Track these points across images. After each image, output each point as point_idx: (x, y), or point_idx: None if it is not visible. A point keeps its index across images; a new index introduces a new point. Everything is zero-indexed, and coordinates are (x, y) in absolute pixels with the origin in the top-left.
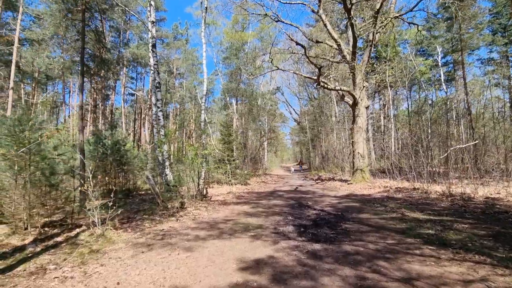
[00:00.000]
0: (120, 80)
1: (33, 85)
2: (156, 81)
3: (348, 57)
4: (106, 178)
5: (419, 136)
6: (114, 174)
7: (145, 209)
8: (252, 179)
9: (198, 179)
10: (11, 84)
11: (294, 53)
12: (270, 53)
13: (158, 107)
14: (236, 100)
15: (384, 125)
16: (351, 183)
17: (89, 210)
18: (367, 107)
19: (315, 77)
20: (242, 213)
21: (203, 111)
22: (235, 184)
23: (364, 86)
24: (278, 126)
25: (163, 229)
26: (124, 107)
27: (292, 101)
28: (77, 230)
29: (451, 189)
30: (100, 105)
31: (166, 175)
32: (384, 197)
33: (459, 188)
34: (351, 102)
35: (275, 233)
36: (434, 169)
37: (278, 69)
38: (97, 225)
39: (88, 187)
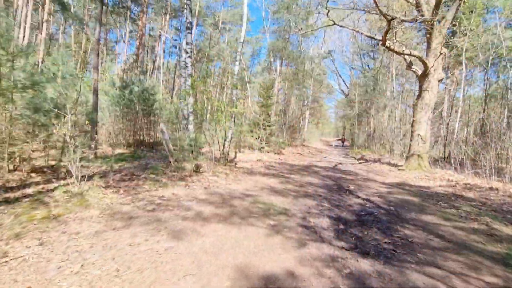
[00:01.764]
0: (163, 30)
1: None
2: (188, 21)
3: (427, 14)
4: (131, 127)
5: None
6: (139, 125)
7: (154, 167)
8: (288, 149)
9: (224, 141)
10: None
11: (355, 9)
12: (327, 4)
13: (187, 53)
14: (282, 62)
15: (450, 107)
16: (403, 170)
17: (69, 161)
18: (440, 80)
19: (378, 38)
20: (267, 189)
21: (237, 62)
22: (268, 151)
23: (441, 53)
24: (324, 97)
25: (162, 196)
26: (168, 60)
27: (342, 71)
28: (61, 182)
29: None
30: (142, 55)
31: (189, 131)
32: (450, 194)
33: None
34: (419, 72)
35: (303, 226)
36: None
37: (334, 24)
38: (76, 180)
39: (66, 130)
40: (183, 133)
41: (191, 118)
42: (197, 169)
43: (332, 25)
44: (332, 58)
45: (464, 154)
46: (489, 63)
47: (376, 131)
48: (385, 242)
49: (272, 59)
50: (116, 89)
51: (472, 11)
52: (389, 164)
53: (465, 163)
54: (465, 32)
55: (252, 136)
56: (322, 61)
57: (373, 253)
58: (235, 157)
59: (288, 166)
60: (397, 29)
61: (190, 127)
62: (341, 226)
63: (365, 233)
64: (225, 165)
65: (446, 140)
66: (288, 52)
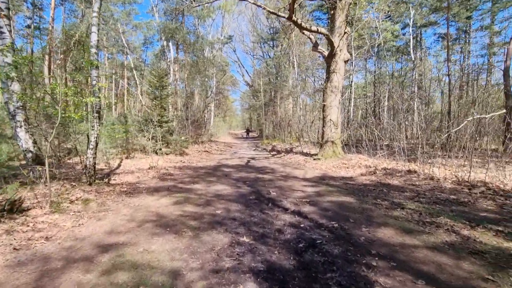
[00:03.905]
0: None
1: None
2: None
3: None
4: None
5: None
6: None
7: None
8: (192, 148)
9: (87, 148)
10: None
11: None
12: None
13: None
14: (177, 47)
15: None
16: (319, 159)
17: None
18: (346, 61)
19: (282, 15)
20: (151, 221)
21: (94, 26)
22: (167, 153)
23: (345, 32)
24: (228, 89)
25: None
26: None
27: (245, 62)
28: None
29: (458, 174)
30: None
31: (20, 139)
32: (377, 184)
33: (469, 174)
34: (326, 53)
35: None
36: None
37: None
38: None
39: None
40: (18, 142)
41: (19, 117)
42: (13, 207)
43: None
44: (233, 47)
45: (367, 136)
46: (375, 52)
47: (284, 120)
48: None
49: (165, 44)
50: None
51: (356, 3)
52: (302, 153)
53: (373, 146)
54: (351, 21)
55: (144, 136)
56: (223, 50)
57: None
58: (112, 169)
59: (192, 171)
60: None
61: (20, 131)
62: None
63: None
64: (90, 184)
65: (348, 124)
66: (183, 35)
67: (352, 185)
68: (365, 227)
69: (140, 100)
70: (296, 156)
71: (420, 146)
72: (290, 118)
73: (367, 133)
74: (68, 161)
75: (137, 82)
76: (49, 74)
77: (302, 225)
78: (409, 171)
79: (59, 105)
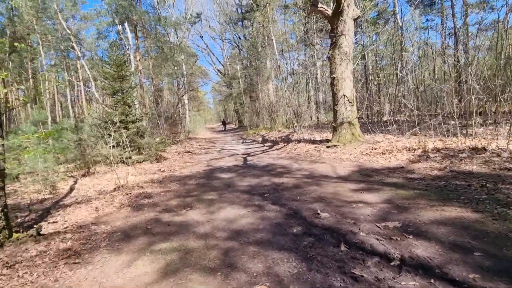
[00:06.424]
0: None
1: None
2: None
3: None
4: None
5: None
6: None
7: None
8: (171, 149)
9: None
10: None
11: None
12: None
13: None
14: (136, 31)
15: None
16: (335, 146)
17: None
18: (356, 19)
19: None
20: None
21: None
22: (139, 162)
23: None
24: (198, 82)
25: None
26: None
27: (213, 49)
28: None
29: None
30: None
31: None
32: (454, 175)
33: None
34: (329, 12)
35: None
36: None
37: None
38: None
39: None
40: None
41: None
42: None
43: None
44: (199, 33)
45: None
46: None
47: (270, 106)
48: None
49: (120, 28)
50: None
51: None
52: (307, 141)
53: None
54: None
55: (106, 144)
56: (189, 39)
57: None
58: (58, 199)
59: (178, 184)
60: None
61: None
62: None
63: None
64: (0, 246)
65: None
66: (140, 13)
67: (419, 180)
68: None
69: (97, 98)
70: (300, 145)
71: (469, 113)
72: (273, 103)
73: (377, 109)
74: None
75: (91, 78)
76: None
77: None
78: (475, 149)
79: None
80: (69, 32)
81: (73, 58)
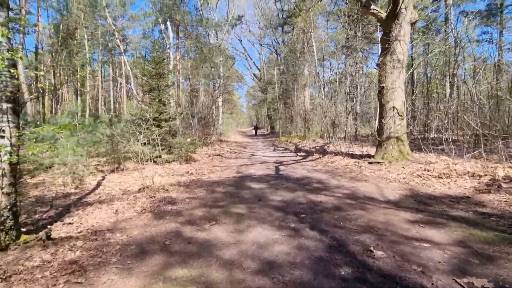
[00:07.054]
0: None
1: None
2: None
3: None
4: None
5: None
6: None
7: None
8: (201, 150)
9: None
10: None
11: None
12: None
13: None
14: (177, 31)
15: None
16: (379, 162)
17: None
18: (413, 24)
19: None
20: None
21: None
22: (169, 161)
23: None
24: (233, 85)
25: None
26: None
27: (251, 53)
28: None
29: None
30: None
31: None
32: None
33: None
34: (383, 14)
35: None
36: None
37: None
38: None
39: None
40: None
41: None
42: None
43: None
44: (238, 37)
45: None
46: None
47: (306, 113)
48: None
49: (163, 27)
50: None
51: None
52: (345, 154)
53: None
54: None
55: (137, 140)
56: (228, 42)
57: None
58: (82, 195)
59: (205, 191)
60: None
61: None
62: None
63: None
64: (4, 250)
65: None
66: (183, 13)
67: (497, 218)
68: None
69: (135, 95)
70: (338, 158)
71: None
72: (308, 111)
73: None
74: None
75: (131, 74)
76: None
77: None
78: None
79: None
80: (114, 28)
81: (117, 55)
